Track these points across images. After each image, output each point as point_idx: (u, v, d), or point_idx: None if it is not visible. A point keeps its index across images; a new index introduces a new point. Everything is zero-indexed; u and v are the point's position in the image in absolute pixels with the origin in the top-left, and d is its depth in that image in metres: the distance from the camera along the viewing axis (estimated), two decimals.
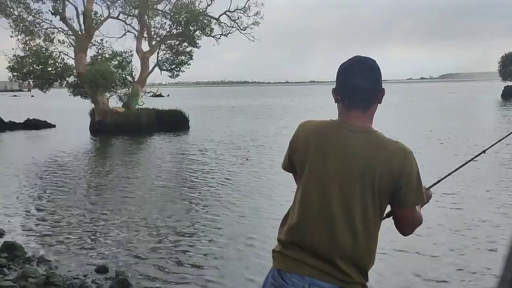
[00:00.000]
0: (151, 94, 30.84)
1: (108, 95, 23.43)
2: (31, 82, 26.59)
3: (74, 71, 23.13)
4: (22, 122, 25.22)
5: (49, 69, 23.08)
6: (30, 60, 22.72)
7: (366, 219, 1.84)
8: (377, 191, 1.82)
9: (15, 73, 22.98)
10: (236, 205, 8.42)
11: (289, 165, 2.04)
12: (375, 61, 1.92)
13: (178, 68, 25.96)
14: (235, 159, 13.63)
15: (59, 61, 23.41)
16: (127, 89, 23.87)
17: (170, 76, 26.23)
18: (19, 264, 5.42)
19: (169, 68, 25.87)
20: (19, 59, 22.57)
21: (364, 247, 1.86)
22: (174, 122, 22.87)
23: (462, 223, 7.13)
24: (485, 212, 7.62)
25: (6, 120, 25.25)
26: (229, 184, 10.33)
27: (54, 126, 25.32)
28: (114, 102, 24.06)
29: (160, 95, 47.66)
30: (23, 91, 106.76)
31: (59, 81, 23.64)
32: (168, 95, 62.68)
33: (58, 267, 5.48)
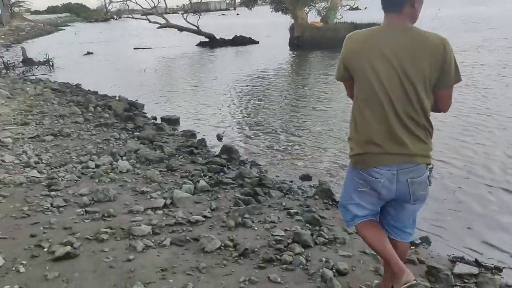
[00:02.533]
0: (348, 7, 29.80)
1: (307, 9, 23.51)
2: (237, 1, 28.37)
3: None
4: (230, 39, 27.49)
5: None
6: None
7: (422, 103, 2.17)
8: (428, 77, 2.14)
9: None
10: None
11: (345, 74, 2.34)
12: None
13: None
14: None
15: None
16: (325, 2, 23.53)
17: None
18: (235, 165, 6.13)
19: None
20: None
21: (426, 127, 2.22)
22: None
23: None
24: None
25: (217, 37, 27.87)
26: None
27: (257, 42, 26.92)
28: (312, 17, 24.11)
29: (357, 8, 45.75)
30: (229, 9, 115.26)
31: None
32: (365, 8, 59.70)
33: (268, 172, 6.05)
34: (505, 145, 6.69)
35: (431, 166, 2.26)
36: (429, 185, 2.30)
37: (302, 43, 22.63)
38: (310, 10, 23.70)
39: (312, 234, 3.69)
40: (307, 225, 3.97)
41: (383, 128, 2.19)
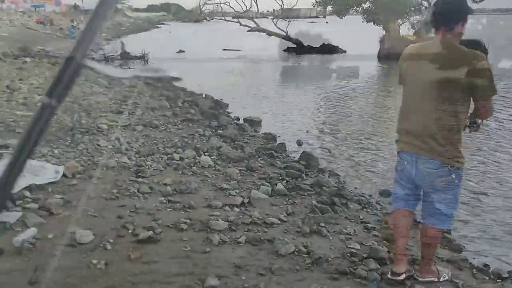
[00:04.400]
0: None
1: (401, 22, 22.78)
2: (329, 9, 28.24)
3: None
4: (317, 46, 27.37)
5: None
6: None
7: (450, 108, 2.66)
8: (457, 86, 2.60)
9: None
10: None
11: (401, 79, 2.94)
12: None
13: None
14: None
15: None
16: (421, 15, 22.64)
17: (473, 1, 23.31)
18: (314, 173, 6.07)
19: None
20: None
21: (448, 128, 2.67)
22: None
23: None
24: None
25: (305, 44, 27.90)
26: None
27: (345, 51, 26.55)
28: (405, 30, 23.31)
29: None
30: (319, 17, 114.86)
31: (354, 7, 24.27)
32: None
33: (346, 183, 5.93)
34: None
35: (453, 166, 2.71)
36: (451, 182, 2.75)
37: (392, 55, 21.93)
38: (403, 23, 22.93)
39: (389, 252, 3.55)
40: (384, 241, 3.83)
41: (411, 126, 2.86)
